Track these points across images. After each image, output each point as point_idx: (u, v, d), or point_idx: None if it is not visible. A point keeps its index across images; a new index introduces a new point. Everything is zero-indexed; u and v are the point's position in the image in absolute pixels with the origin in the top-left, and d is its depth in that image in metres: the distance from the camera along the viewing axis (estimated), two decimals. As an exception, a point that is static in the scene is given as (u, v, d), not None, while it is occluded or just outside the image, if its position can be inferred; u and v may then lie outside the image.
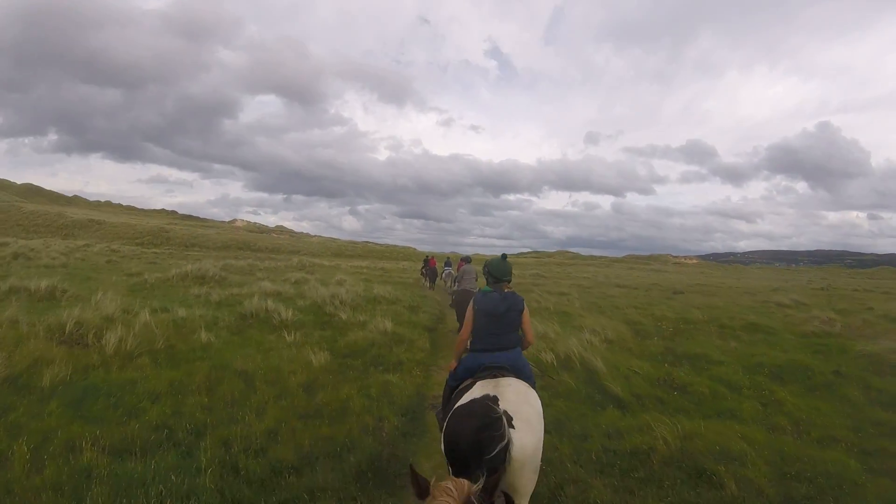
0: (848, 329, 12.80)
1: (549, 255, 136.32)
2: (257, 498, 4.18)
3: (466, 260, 13.82)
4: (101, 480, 4.15)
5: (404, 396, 6.71)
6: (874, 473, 4.96)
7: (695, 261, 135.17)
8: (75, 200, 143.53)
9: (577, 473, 4.75)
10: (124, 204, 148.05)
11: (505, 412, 2.95)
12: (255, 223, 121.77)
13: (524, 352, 4.33)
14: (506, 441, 2.79)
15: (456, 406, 3.35)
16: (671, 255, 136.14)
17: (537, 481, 3.27)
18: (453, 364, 4.28)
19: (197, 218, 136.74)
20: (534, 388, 3.79)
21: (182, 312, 10.42)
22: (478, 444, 2.78)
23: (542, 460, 3.30)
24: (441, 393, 4.56)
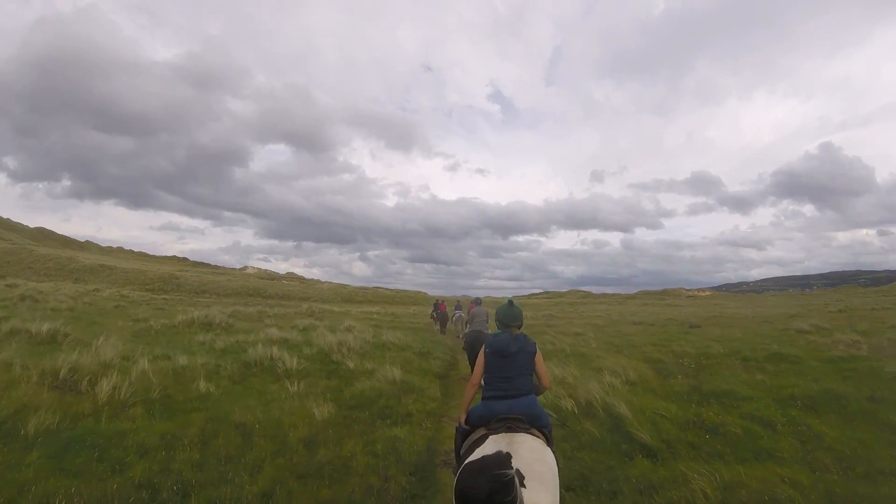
0: (875, 350, 12.24)
1: (561, 294, 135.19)
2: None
3: (477, 302, 13.51)
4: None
5: (413, 452, 6.17)
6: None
7: (708, 293, 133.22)
8: (87, 245, 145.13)
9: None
10: (136, 250, 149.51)
11: (517, 471, 2.86)
12: (266, 270, 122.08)
13: (540, 397, 4.26)
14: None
15: (466, 462, 3.24)
16: (684, 289, 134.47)
17: None
18: (462, 416, 4.12)
19: (208, 265, 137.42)
20: (551, 437, 3.80)
21: (183, 360, 10.02)
22: None
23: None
24: (452, 447, 4.59)
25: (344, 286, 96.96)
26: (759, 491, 4.71)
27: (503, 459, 2.98)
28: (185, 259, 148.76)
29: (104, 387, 7.54)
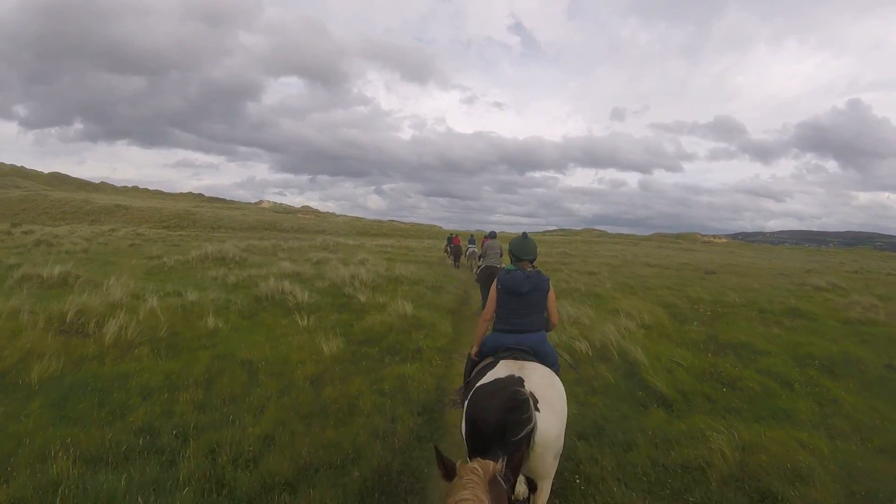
0: (892, 317, 11.83)
1: (576, 233, 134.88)
2: (242, 522, 3.52)
3: (491, 236, 13.34)
4: (68, 497, 3.56)
5: (422, 392, 5.92)
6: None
7: (724, 240, 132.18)
8: (102, 187, 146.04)
9: (624, 496, 3.94)
10: (151, 189, 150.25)
11: (531, 394, 2.87)
12: (281, 204, 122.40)
13: (553, 337, 3.85)
14: (532, 424, 2.69)
15: (479, 384, 3.20)
16: (700, 234, 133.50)
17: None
18: (475, 349, 4.10)
19: (223, 200, 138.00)
20: (558, 374, 3.66)
21: (193, 296, 9.90)
22: (503, 424, 2.65)
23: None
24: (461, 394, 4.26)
25: (359, 219, 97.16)
26: (779, 456, 4.43)
27: (516, 381, 3.02)
28: (200, 195, 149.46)
29: (111, 328, 7.41)
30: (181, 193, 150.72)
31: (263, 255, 21.93)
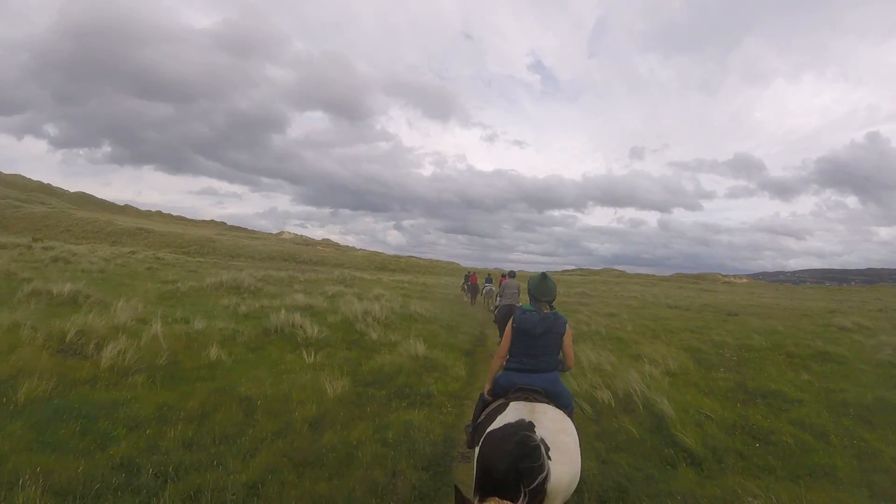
0: None
1: (595, 272, 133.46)
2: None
3: (510, 275, 13.16)
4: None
5: (428, 443, 5.39)
6: None
7: (745, 280, 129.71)
8: (126, 209, 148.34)
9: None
10: (174, 214, 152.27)
11: (542, 440, 2.83)
12: (302, 235, 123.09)
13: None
14: (545, 472, 2.66)
15: (489, 430, 3.16)
16: (720, 274, 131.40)
17: None
18: (488, 387, 4.00)
19: (245, 229, 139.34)
20: (571, 416, 3.64)
21: (200, 324, 9.57)
22: (516, 473, 2.63)
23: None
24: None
25: (378, 254, 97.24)
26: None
27: (526, 426, 2.98)
28: (222, 223, 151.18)
29: (108, 352, 7.11)
30: (203, 220, 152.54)
31: (279, 286, 21.65)
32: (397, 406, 6.57)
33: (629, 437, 5.91)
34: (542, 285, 4.03)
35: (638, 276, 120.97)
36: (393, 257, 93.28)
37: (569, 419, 3.45)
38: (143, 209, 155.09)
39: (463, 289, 27.24)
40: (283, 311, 11.15)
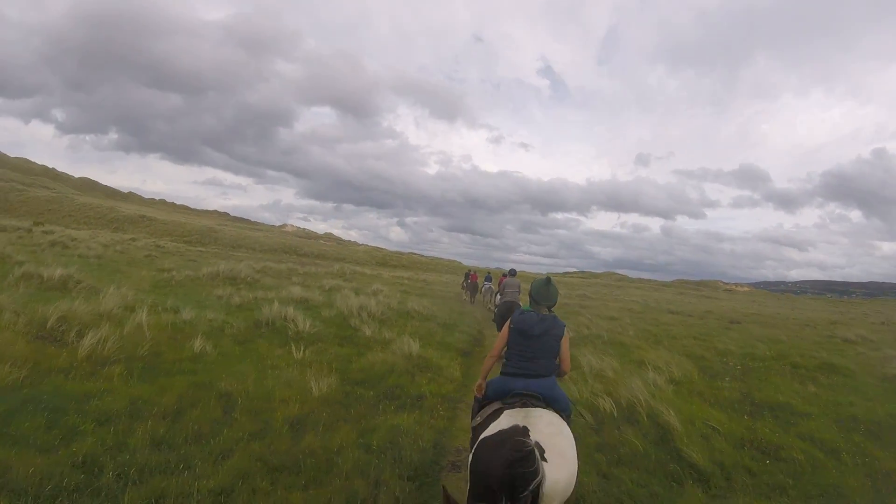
0: None
1: (596, 275, 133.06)
2: None
3: (511, 273, 12.98)
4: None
5: (416, 449, 4.97)
6: None
7: (746, 288, 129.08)
8: (130, 197, 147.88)
9: None
10: (178, 203, 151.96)
11: (536, 444, 2.77)
12: (305, 229, 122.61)
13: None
14: (539, 477, 2.61)
15: (483, 437, 3.12)
16: (722, 282, 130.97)
17: None
18: (480, 383, 3.95)
19: (248, 221, 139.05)
20: (569, 421, 3.60)
21: (189, 314, 9.24)
22: (510, 479, 2.57)
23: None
24: (466, 446, 4.24)
25: (379, 249, 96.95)
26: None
27: (520, 431, 2.87)
28: (225, 214, 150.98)
29: (88, 340, 6.78)
30: (207, 211, 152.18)
31: (276, 278, 21.35)
32: (386, 408, 6.18)
33: (632, 449, 5.54)
34: (544, 290, 3.98)
35: (639, 280, 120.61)
36: (395, 253, 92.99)
37: (564, 422, 3.42)
38: (147, 197, 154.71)
39: (463, 287, 27.28)
40: (276, 304, 10.83)
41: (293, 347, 8.11)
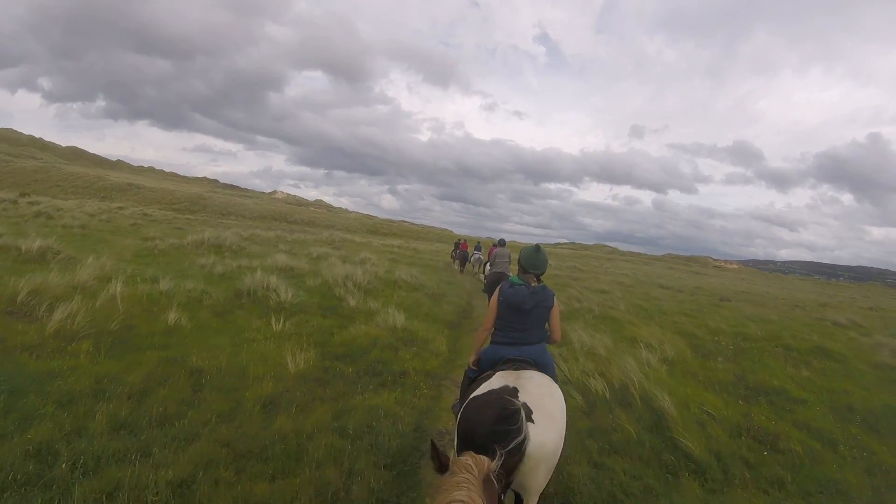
0: None
1: (587, 247, 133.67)
2: None
3: (501, 243, 12.66)
4: None
5: (395, 434, 4.72)
6: None
7: (735, 266, 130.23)
8: (119, 165, 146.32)
9: None
10: (167, 170, 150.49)
11: (524, 405, 2.82)
12: (295, 196, 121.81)
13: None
14: (522, 436, 2.60)
15: (472, 395, 3.18)
16: (711, 258, 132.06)
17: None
18: (473, 358, 3.97)
19: (238, 188, 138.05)
20: (556, 383, 3.54)
21: (166, 285, 8.88)
22: (493, 435, 2.58)
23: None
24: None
25: (370, 217, 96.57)
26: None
27: (509, 391, 2.97)
28: (215, 181, 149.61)
29: (58, 314, 6.49)
30: (196, 178, 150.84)
31: (263, 246, 21.01)
32: (366, 386, 5.88)
33: (625, 436, 5.27)
34: (534, 258, 3.89)
35: (630, 254, 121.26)
36: (385, 221, 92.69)
37: (556, 385, 3.42)
38: (135, 165, 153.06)
39: (451, 256, 27.20)
40: (259, 273, 10.51)
41: (273, 319, 7.81)
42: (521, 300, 3.71)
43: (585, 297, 16.14)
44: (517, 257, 4.12)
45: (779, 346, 10.88)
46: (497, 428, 2.62)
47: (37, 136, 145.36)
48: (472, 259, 24.01)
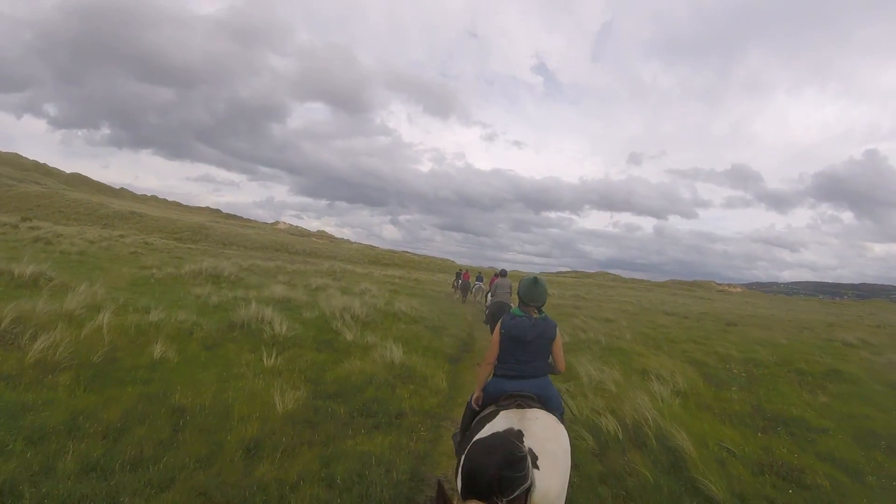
0: None
1: (589, 275, 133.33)
2: None
3: (502, 274, 12.69)
4: None
5: (389, 483, 4.27)
6: None
7: (739, 289, 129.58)
8: (122, 193, 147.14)
9: None
10: (170, 199, 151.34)
11: (530, 450, 2.74)
12: (297, 226, 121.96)
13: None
14: (528, 483, 2.56)
15: (476, 438, 3.08)
16: (714, 282, 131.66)
17: None
18: (478, 394, 3.86)
19: (240, 218, 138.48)
20: (562, 419, 3.58)
21: (157, 315, 8.56)
22: (499, 481, 2.51)
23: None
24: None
25: (372, 248, 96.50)
26: None
27: (515, 435, 2.90)
28: (217, 210, 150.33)
29: (40, 343, 6.18)
30: (199, 207, 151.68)
31: (263, 276, 20.72)
32: (358, 428, 5.46)
33: (641, 481, 4.85)
34: (532, 290, 3.84)
35: (632, 280, 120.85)
36: (387, 252, 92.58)
37: (561, 425, 3.35)
38: (138, 193, 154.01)
39: (454, 286, 27.20)
40: (254, 304, 10.18)
41: (264, 353, 7.45)
42: (522, 332, 3.70)
43: (590, 326, 15.75)
44: (517, 286, 4.07)
45: (791, 370, 10.54)
46: (504, 474, 2.54)
47: (41, 161, 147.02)
48: (473, 289, 24.07)
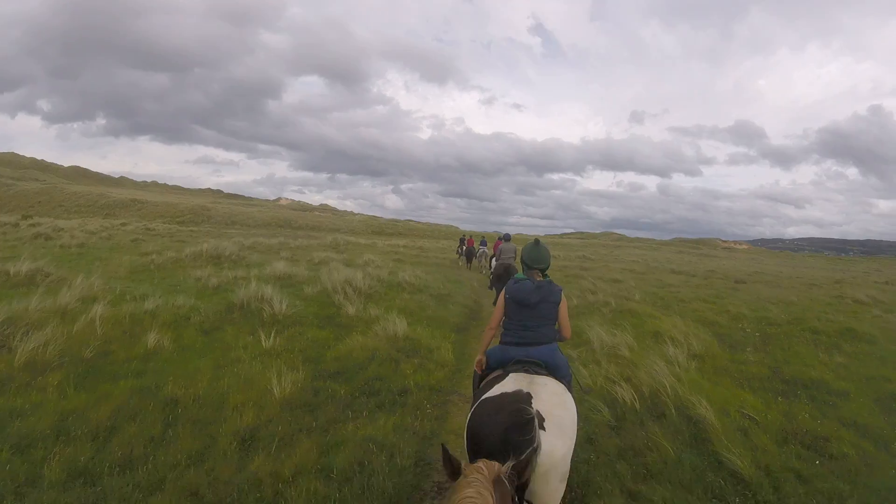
0: None
1: (594, 236, 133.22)
2: None
3: (506, 238, 12.62)
4: None
5: (392, 472, 4.00)
6: None
7: (745, 246, 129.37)
8: (122, 181, 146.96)
9: None
10: (171, 184, 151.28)
11: (538, 412, 2.72)
12: (300, 201, 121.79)
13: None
14: (535, 445, 2.51)
15: (484, 396, 3.03)
16: (720, 240, 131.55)
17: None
18: (480, 357, 3.79)
19: (242, 197, 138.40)
20: (570, 387, 3.48)
21: (153, 303, 8.34)
22: (505, 443, 2.52)
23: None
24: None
25: (375, 218, 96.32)
26: None
27: (524, 397, 2.86)
28: (219, 191, 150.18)
29: (29, 344, 6.00)
30: (200, 189, 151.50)
31: (265, 254, 20.52)
32: (360, 410, 5.20)
33: (662, 456, 4.51)
34: (534, 252, 3.87)
35: (638, 239, 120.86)
36: (390, 221, 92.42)
37: (568, 393, 3.27)
38: (139, 180, 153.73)
39: (458, 252, 27.04)
40: (254, 283, 9.94)
41: (263, 335, 7.21)
42: (525, 295, 3.66)
43: (599, 287, 15.52)
44: (521, 250, 3.97)
45: (805, 329, 10.20)
46: (511, 436, 2.55)
47: (38, 158, 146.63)
48: (477, 254, 23.74)
